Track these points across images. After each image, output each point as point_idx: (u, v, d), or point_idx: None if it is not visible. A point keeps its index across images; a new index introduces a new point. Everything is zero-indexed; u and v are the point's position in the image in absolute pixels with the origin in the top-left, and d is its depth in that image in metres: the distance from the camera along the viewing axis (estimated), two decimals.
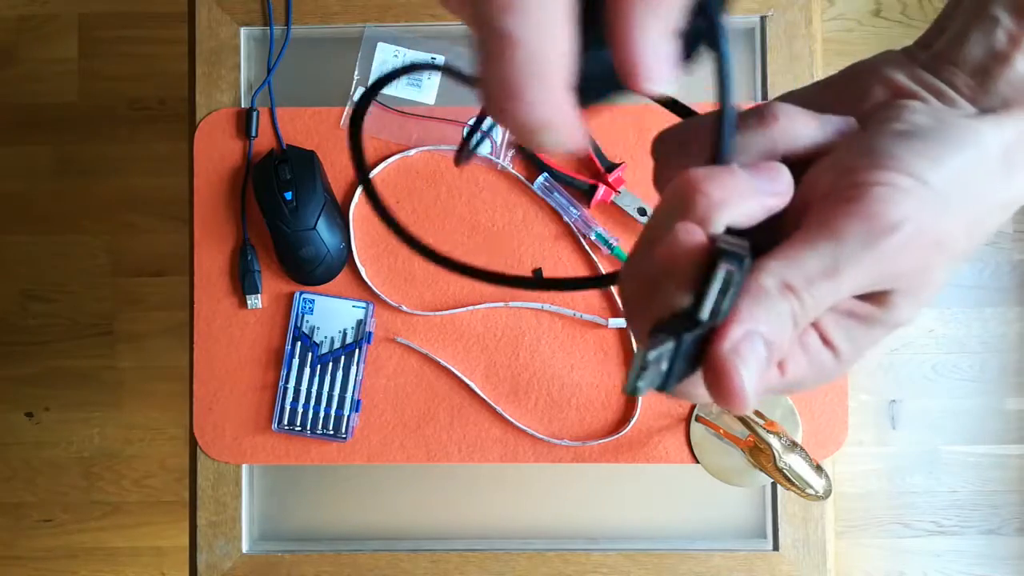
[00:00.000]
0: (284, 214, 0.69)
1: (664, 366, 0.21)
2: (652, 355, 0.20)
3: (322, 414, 0.71)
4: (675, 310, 0.21)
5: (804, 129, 0.25)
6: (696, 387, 0.22)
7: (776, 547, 0.72)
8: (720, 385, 0.21)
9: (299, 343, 0.72)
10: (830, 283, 0.22)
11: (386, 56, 0.73)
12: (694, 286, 0.21)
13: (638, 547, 0.72)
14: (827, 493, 0.62)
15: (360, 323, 0.72)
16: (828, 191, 0.23)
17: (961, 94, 0.25)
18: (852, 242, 0.22)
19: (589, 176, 0.72)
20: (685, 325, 0.21)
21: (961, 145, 0.23)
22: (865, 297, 0.23)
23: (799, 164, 0.25)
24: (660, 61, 0.20)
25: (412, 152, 0.72)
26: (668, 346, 0.20)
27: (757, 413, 0.69)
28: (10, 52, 1.51)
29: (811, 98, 0.27)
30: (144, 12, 1.51)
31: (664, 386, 0.21)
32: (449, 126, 0.73)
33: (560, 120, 0.20)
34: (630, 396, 0.19)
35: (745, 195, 0.22)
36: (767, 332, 0.21)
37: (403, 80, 0.72)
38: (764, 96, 0.74)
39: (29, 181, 1.51)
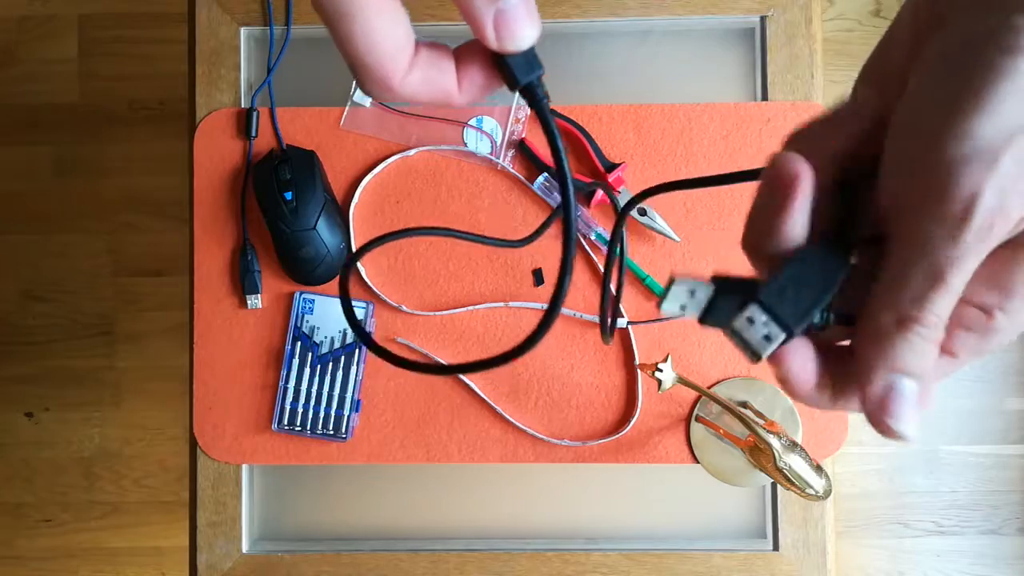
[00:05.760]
0: (284, 214, 0.69)
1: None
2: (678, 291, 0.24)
3: (322, 414, 0.71)
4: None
5: (836, 144, 0.22)
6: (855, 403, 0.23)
7: (776, 547, 0.72)
8: (889, 436, 0.21)
9: (299, 343, 0.72)
10: (942, 292, 0.20)
11: None
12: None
13: (638, 547, 0.72)
14: (827, 493, 0.62)
15: (360, 323, 0.71)
16: (895, 187, 0.21)
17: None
18: (938, 240, 0.19)
19: (589, 176, 0.72)
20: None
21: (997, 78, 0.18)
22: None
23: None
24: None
25: (412, 152, 0.72)
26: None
27: (757, 413, 0.69)
28: (10, 52, 1.51)
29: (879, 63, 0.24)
30: (144, 12, 1.51)
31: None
32: (449, 126, 0.73)
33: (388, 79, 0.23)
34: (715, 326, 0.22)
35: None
36: (908, 368, 0.21)
37: None
38: (764, 96, 0.73)
39: (29, 181, 1.51)
